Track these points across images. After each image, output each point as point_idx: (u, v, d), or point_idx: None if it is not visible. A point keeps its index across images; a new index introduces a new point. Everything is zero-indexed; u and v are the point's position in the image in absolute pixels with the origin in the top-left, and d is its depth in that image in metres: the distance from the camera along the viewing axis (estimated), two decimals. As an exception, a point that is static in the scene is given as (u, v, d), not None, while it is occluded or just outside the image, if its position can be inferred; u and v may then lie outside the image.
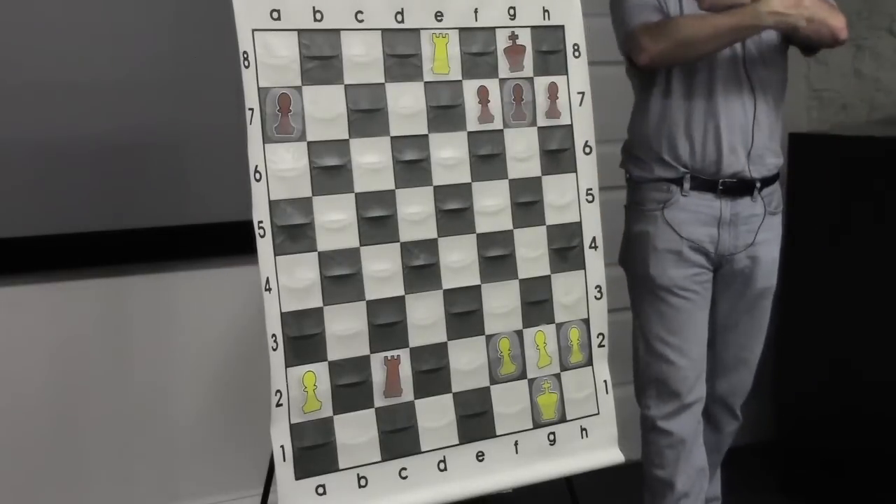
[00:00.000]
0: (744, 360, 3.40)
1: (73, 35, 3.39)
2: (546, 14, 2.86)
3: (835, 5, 3.15)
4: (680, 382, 3.14)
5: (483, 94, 2.78)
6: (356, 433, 2.62)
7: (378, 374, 2.65)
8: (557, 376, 2.88)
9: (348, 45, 2.61)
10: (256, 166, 2.50)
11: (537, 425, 2.86)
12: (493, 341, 2.79)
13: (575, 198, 2.89)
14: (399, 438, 2.68)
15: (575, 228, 2.90)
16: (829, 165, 4.15)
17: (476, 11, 2.76)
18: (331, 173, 2.58)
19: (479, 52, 2.77)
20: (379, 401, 2.65)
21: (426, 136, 2.70)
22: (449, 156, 2.73)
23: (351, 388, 2.62)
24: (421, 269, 2.68)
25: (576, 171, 2.90)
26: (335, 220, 2.59)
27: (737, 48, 3.11)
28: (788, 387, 4.34)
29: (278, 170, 2.53)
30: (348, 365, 2.61)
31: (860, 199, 4.02)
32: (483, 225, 2.76)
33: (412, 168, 2.68)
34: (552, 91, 2.87)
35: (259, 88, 2.51)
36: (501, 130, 2.80)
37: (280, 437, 2.54)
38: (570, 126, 2.89)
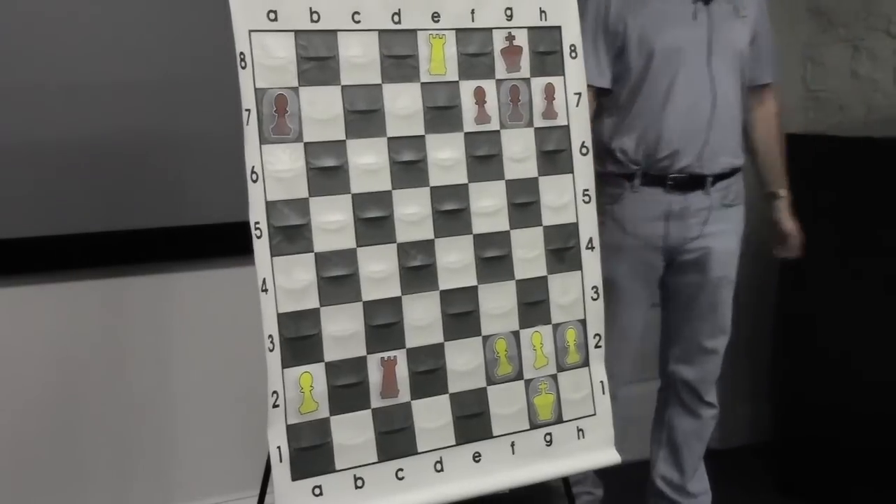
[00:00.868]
0: (706, 349, 3.53)
1: (70, 36, 3.38)
2: (543, 15, 2.86)
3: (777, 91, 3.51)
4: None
5: (480, 94, 2.77)
6: (353, 434, 2.62)
7: (375, 375, 2.64)
8: (554, 377, 2.88)
9: (345, 46, 2.60)
10: (253, 167, 2.50)
11: (534, 426, 2.85)
12: (489, 342, 2.78)
13: (572, 198, 2.89)
14: (396, 439, 2.67)
15: (572, 229, 2.89)
16: (827, 166, 4.15)
17: (473, 12, 2.76)
18: (328, 174, 2.58)
19: (475, 53, 2.76)
20: (376, 402, 2.65)
21: (423, 136, 2.69)
22: (446, 157, 2.72)
23: (348, 389, 2.61)
24: (418, 270, 2.68)
25: (573, 171, 2.89)
26: (332, 221, 2.58)
27: (703, 48, 3.24)
28: (786, 387, 4.34)
29: (275, 171, 2.52)
30: (345, 366, 2.60)
31: (858, 200, 4.02)
32: (480, 226, 2.76)
33: (409, 169, 2.67)
34: (549, 92, 2.86)
35: (256, 89, 2.50)
36: (498, 131, 2.79)
37: (277, 438, 2.54)
38: (567, 127, 2.89)
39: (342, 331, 2.59)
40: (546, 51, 2.86)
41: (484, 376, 2.78)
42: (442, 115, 2.72)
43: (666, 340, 3.59)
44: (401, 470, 2.68)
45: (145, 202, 3.51)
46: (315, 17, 2.57)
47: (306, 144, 2.56)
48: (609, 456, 2.96)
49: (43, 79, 3.35)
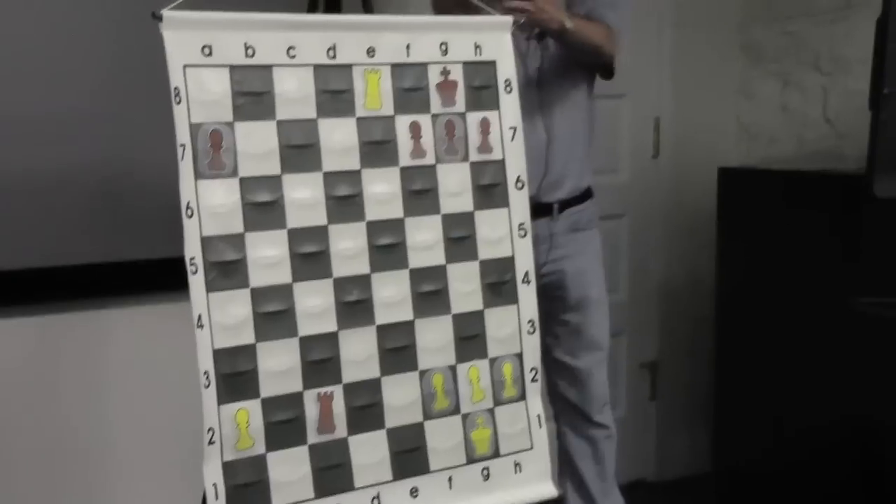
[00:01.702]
0: (580, 370, 3.55)
1: (3, 68, 3.37)
2: (478, 49, 2.88)
3: (614, 35, 3.38)
4: None
5: (415, 129, 2.78)
6: (289, 470, 2.60)
7: (311, 411, 2.63)
8: (491, 411, 2.88)
9: (280, 81, 2.60)
10: (188, 202, 2.49)
11: (471, 460, 2.85)
12: (426, 377, 2.78)
13: (507, 232, 2.90)
14: (333, 475, 2.66)
15: (507, 263, 2.91)
16: (759, 199, 4.21)
17: (408, 47, 2.77)
18: (263, 209, 2.57)
19: (411, 88, 2.78)
20: (312, 437, 2.64)
21: (359, 171, 2.70)
22: (381, 191, 2.73)
23: (284, 425, 2.60)
24: (354, 305, 2.68)
25: (508, 205, 2.91)
26: (268, 257, 2.58)
27: (528, 72, 3.30)
28: (723, 417, 4.38)
29: (210, 206, 2.51)
30: (281, 402, 2.59)
31: (789, 232, 4.07)
32: (416, 260, 2.76)
33: (345, 203, 2.68)
34: (484, 126, 2.88)
35: (191, 124, 2.50)
36: (434, 166, 2.81)
37: (212, 476, 2.52)
38: (503, 161, 2.90)
39: (278, 366, 2.58)
40: (481, 85, 2.88)
41: (421, 411, 2.78)
42: (378, 149, 2.73)
43: (547, 364, 3.57)
44: (338, 506, 2.67)
45: (79, 238, 3.49)
46: (250, 52, 2.57)
47: (241, 179, 2.55)
48: (546, 489, 2.97)
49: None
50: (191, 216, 2.49)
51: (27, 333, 3.49)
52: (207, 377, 2.49)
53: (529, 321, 2.94)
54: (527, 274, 2.93)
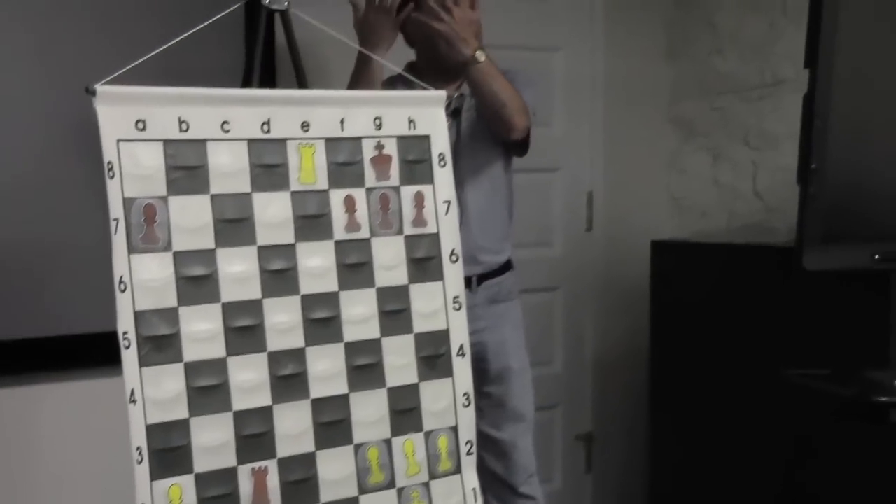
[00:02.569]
0: (504, 442, 3.57)
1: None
2: (412, 124, 2.91)
3: (527, 108, 3.45)
4: None
5: (350, 203, 2.80)
6: (223, 546, 2.58)
7: (245, 486, 2.62)
8: (426, 485, 2.88)
9: (214, 155, 2.62)
10: (121, 277, 2.48)
11: (407, 535, 2.84)
12: (361, 450, 2.78)
13: (442, 305, 2.92)
14: (267, 551, 2.64)
15: (442, 336, 2.92)
16: (691, 272, 4.25)
17: (342, 121, 2.80)
18: (197, 283, 2.58)
19: (345, 162, 2.80)
20: (246, 513, 2.62)
21: (293, 245, 2.71)
22: (316, 265, 2.74)
23: (218, 501, 2.58)
24: (288, 379, 2.68)
25: (443, 279, 2.93)
26: (201, 331, 2.57)
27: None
28: (659, 488, 4.39)
29: (143, 280, 2.51)
30: (215, 477, 2.58)
31: (720, 304, 4.12)
32: (351, 334, 2.77)
33: (279, 277, 2.68)
34: (419, 200, 2.91)
35: (124, 198, 2.50)
36: (368, 239, 2.82)
37: (145, 552, 2.49)
38: (437, 234, 2.93)
39: (212, 441, 2.57)
40: (415, 159, 2.91)
41: (356, 485, 2.77)
42: (312, 223, 2.74)
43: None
44: (273, 582, 2.65)
45: (9, 312, 3.46)
46: (184, 126, 2.58)
47: (175, 253, 2.55)
48: (482, 563, 2.96)
49: None
50: (124, 290, 2.48)
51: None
52: (140, 453, 2.48)
53: (464, 394, 2.94)
54: (461, 347, 2.94)
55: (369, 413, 2.79)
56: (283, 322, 2.68)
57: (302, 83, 3.03)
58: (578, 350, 5.09)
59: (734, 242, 4.34)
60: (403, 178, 2.89)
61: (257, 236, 2.66)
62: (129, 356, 2.48)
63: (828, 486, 3.84)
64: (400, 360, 2.84)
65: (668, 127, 5.20)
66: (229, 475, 2.60)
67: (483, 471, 3.51)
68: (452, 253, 2.94)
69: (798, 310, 3.92)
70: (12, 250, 3.45)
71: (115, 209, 2.49)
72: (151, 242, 2.53)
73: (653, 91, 5.18)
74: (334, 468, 2.74)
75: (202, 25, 2.75)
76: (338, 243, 2.78)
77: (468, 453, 2.95)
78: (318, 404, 2.72)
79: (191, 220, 2.58)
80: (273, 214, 2.69)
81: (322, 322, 2.73)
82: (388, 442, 2.82)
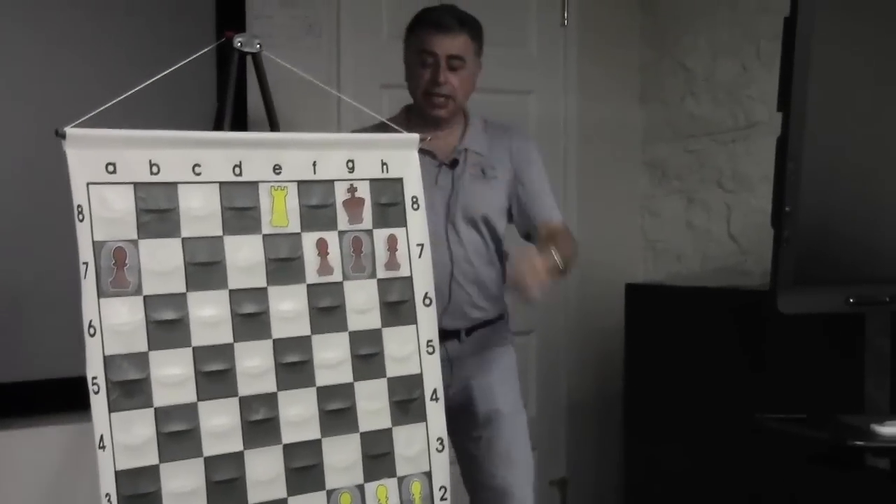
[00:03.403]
0: (501, 489, 3.48)
1: None
2: (385, 167, 2.92)
3: (576, 247, 3.44)
4: None
5: (322, 246, 2.80)
6: None
7: (216, 533, 2.61)
8: (400, 531, 2.87)
9: (186, 198, 2.62)
10: (91, 321, 2.48)
11: (380, 582, 2.83)
12: (333, 496, 2.77)
13: (415, 349, 2.92)
14: None
15: (416, 380, 2.92)
16: (665, 315, 4.27)
17: (314, 164, 2.81)
18: (167, 327, 2.57)
19: (317, 205, 2.81)
20: (218, 559, 2.61)
21: (265, 288, 2.71)
22: (288, 308, 2.74)
23: (188, 549, 2.57)
24: (260, 424, 2.67)
25: (416, 322, 2.93)
26: (172, 375, 2.57)
27: (436, 199, 3.34)
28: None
29: (113, 324, 2.51)
30: (185, 524, 2.56)
31: (694, 347, 4.13)
32: (323, 378, 2.77)
33: (251, 321, 2.68)
34: (392, 243, 2.91)
35: (94, 242, 2.50)
36: (341, 282, 2.83)
37: None
38: (410, 278, 2.93)
39: (182, 487, 2.56)
40: (388, 202, 2.92)
41: (329, 532, 2.77)
42: (284, 266, 2.75)
43: (470, 489, 3.57)
44: None
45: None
46: (155, 169, 2.58)
47: (146, 297, 2.55)
48: None
49: None
50: (93, 335, 2.48)
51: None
52: (109, 500, 2.46)
53: (438, 439, 2.94)
54: (435, 391, 2.94)
55: (342, 458, 2.78)
56: (254, 366, 2.67)
57: (274, 126, 3.03)
58: (553, 394, 5.08)
59: (708, 285, 4.36)
60: (376, 221, 2.90)
61: (229, 280, 2.66)
62: (99, 401, 2.48)
63: (804, 531, 3.84)
64: (373, 405, 2.84)
65: (642, 169, 5.23)
66: (200, 522, 2.59)
67: None
68: (426, 296, 2.95)
69: (773, 353, 3.93)
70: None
71: (85, 253, 2.49)
72: (121, 286, 2.52)
73: (626, 133, 5.21)
74: (307, 514, 2.73)
75: (173, 68, 2.76)
76: (310, 287, 2.78)
77: (442, 499, 2.94)
78: (291, 449, 2.71)
79: (161, 263, 2.58)
80: (245, 258, 2.69)
81: (294, 366, 2.73)
82: (360, 488, 2.81)
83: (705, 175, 4.94)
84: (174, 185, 2.61)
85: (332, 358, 2.79)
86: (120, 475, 2.48)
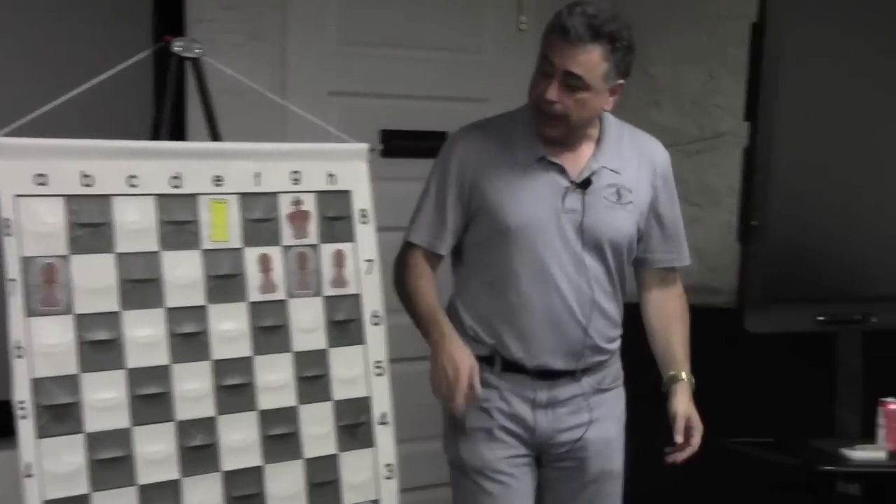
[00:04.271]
0: None
1: None
2: (331, 179, 2.92)
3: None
4: None
5: (265, 262, 2.80)
6: None
7: (152, 566, 2.59)
8: (347, 563, 2.87)
9: (120, 212, 2.61)
10: (18, 342, 2.46)
11: None
12: (276, 527, 2.76)
13: (363, 371, 2.92)
14: None
15: (363, 404, 2.92)
16: (628, 334, 4.26)
17: (257, 176, 2.80)
18: (100, 348, 2.56)
19: (260, 219, 2.80)
20: None
21: (204, 307, 2.70)
22: (229, 328, 2.73)
23: (121, 583, 2.55)
24: (199, 450, 2.66)
25: (364, 342, 2.93)
26: (105, 399, 2.55)
27: (571, 235, 3.05)
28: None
29: (42, 345, 2.49)
30: (118, 557, 2.55)
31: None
32: (265, 401, 2.76)
33: (189, 342, 2.67)
34: (338, 259, 2.91)
35: (22, 258, 2.48)
36: (285, 300, 2.82)
37: None
38: (358, 295, 2.93)
39: (115, 519, 2.55)
40: (335, 216, 2.92)
41: (271, 564, 2.76)
42: (225, 284, 2.74)
43: None
44: None
45: None
46: (88, 181, 2.57)
47: (77, 316, 2.54)
48: None
49: None
50: (20, 356, 2.46)
51: None
52: (36, 531, 2.45)
53: (387, 465, 2.94)
54: (384, 415, 2.94)
55: (285, 486, 2.77)
56: (193, 389, 2.66)
57: (215, 135, 3.02)
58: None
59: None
60: (323, 235, 2.90)
61: (166, 298, 2.65)
62: (26, 427, 2.45)
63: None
64: (318, 430, 2.83)
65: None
66: (135, 554, 2.57)
67: None
68: (374, 315, 2.95)
69: (740, 374, 3.95)
70: None
71: (12, 269, 2.47)
72: (51, 305, 2.51)
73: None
74: (248, 546, 2.72)
75: (108, 73, 2.75)
76: (252, 305, 2.77)
77: (391, 529, 2.94)
78: (231, 477, 2.70)
79: (94, 280, 2.56)
80: (183, 274, 2.68)
81: (235, 389, 2.72)
82: (305, 518, 2.81)
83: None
84: (108, 197, 2.60)
85: (275, 380, 2.78)
86: (48, 505, 2.47)
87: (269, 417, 2.76)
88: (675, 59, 4.93)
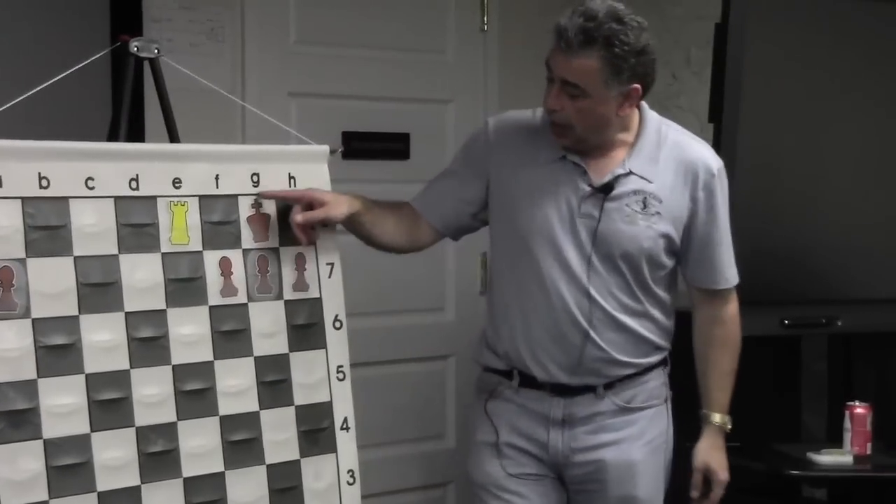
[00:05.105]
0: None
1: None
2: (292, 181, 2.94)
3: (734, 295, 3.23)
4: None
5: (226, 265, 2.81)
6: None
7: (110, 575, 2.60)
8: (309, 571, 2.88)
9: (78, 214, 2.61)
10: (-26, 347, 2.47)
11: None
12: (238, 533, 2.77)
13: (325, 376, 2.93)
14: None
15: (325, 409, 2.93)
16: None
17: (217, 178, 2.81)
18: (58, 353, 2.56)
19: (220, 222, 2.82)
20: None
21: (164, 311, 2.71)
22: (189, 332, 2.74)
23: (78, 591, 2.56)
24: (158, 456, 2.66)
25: (325, 347, 2.95)
26: (63, 405, 2.55)
27: (584, 242, 2.97)
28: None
29: (-1, 350, 2.49)
30: (77, 566, 2.56)
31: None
32: (226, 406, 2.77)
33: (149, 346, 2.68)
34: (299, 262, 2.93)
35: (-23, 261, 2.49)
36: (246, 304, 2.83)
37: None
38: (319, 299, 2.95)
39: (74, 527, 2.55)
40: (296, 219, 2.93)
41: (232, 572, 2.77)
42: (185, 287, 2.75)
43: None
44: None
45: None
46: (44, 182, 2.57)
47: (34, 321, 2.54)
48: None
49: None
50: (-24, 361, 2.47)
51: None
52: (-7, 540, 2.45)
53: (349, 471, 2.95)
54: (345, 420, 2.95)
55: (247, 492, 2.78)
56: (152, 395, 2.67)
57: (173, 137, 3.03)
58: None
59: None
60: (283, 238, 2.91)
61: (125, 301, 2.66)
62: (-18, 433, 2.46)
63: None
64: (279, 435, 2.85)
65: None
66: (93, 564, 2.58)
67: None
68: (336, 319, 2.96)
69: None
70: None
71: (-33, 272, 2.48)
72: (8, 309, 2.51)
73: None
74: (208, 554, 2.73)
75: (64, 74, 2.76)
76: (212, 309, 2.78)
77: (354, 536, 2.96)
78: (191, 483, 2.70)
79: (51, 284, 2.57)
80: (142, 278, 2.69)
81: (195, 394, 2.73)
82: (267, 524, 2.82)
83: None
84: (65, 199, 2.60)
85: (236, 385, 2.79)
86: (4, 514, 2.47)
87: (230, 423, 2.77)
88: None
